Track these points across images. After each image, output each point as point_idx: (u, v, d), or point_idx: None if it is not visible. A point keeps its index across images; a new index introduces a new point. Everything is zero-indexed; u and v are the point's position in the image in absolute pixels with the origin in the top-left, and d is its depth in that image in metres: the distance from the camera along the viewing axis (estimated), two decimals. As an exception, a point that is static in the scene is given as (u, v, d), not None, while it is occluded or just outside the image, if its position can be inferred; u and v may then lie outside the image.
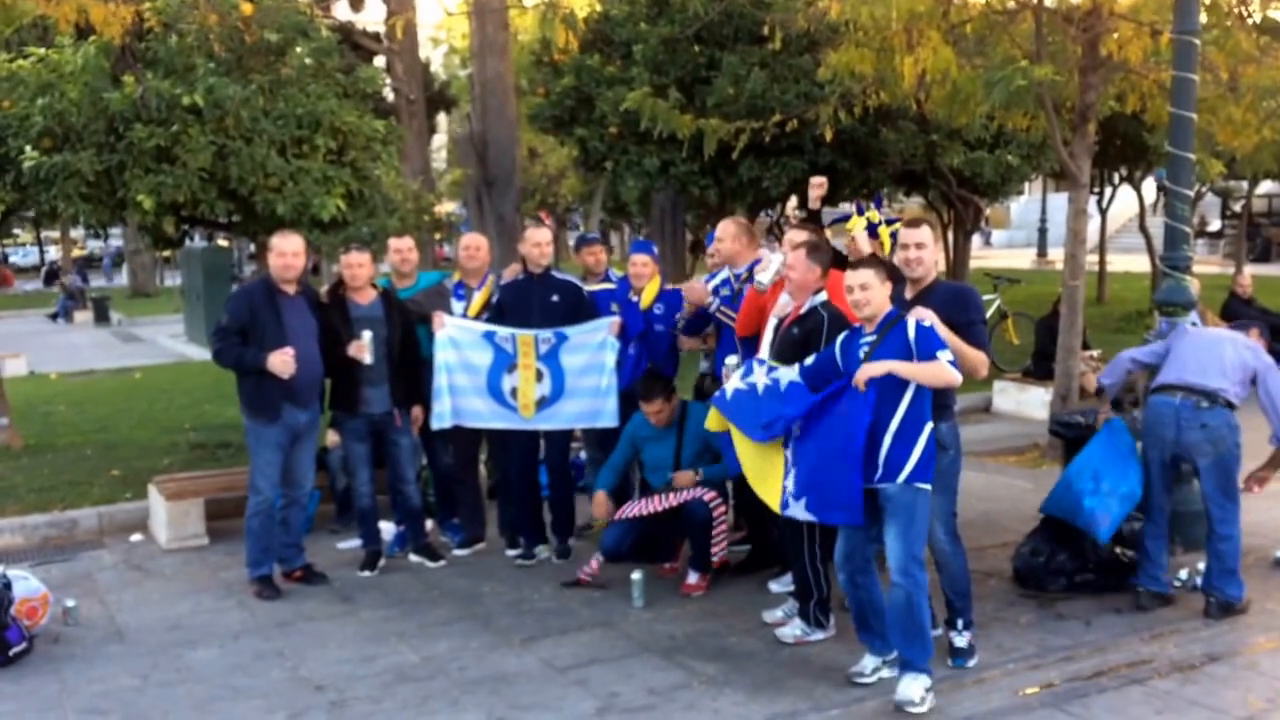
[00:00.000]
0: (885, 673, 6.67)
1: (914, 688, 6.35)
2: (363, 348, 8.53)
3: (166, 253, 39.25)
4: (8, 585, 7.46)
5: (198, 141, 9.88)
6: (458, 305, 9.23)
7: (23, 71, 10.45)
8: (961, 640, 7.02)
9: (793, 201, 9.10)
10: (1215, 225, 42.26)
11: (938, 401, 6.61)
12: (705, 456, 8.31)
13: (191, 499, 9.92)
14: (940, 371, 6.24)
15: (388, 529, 9.46)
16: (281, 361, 8.07)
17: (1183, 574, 8.12)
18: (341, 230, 11.10)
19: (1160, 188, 9.99)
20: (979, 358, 6.72)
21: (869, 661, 6.74)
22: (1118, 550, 7.94)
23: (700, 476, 8.24)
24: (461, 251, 9.51)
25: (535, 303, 8.92)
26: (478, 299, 9.21)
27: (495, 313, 9.04)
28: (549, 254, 9.03)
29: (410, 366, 8.93)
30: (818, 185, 8.56)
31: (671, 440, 8.33)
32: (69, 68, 10.14)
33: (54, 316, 37.34)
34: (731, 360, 7.82)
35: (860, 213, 8.20)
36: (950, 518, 7.01)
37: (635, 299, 8.89)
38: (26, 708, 6.69)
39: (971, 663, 6.95)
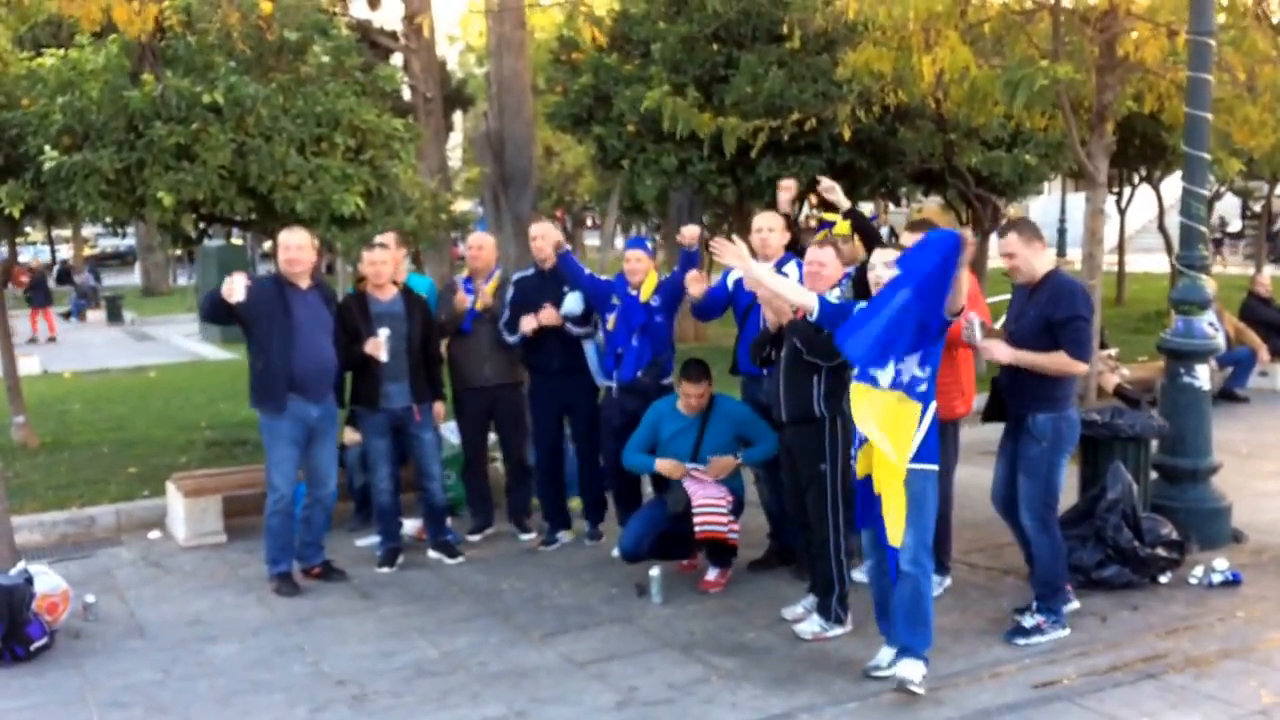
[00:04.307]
0: None
1: (915, 669, 6.43)
2: (379, 345, 8.59)
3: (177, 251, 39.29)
4: (29, 581, 7.50)
5: (217, 139, 9.91)
6: (467, 299, 9.46)
7: (42, 70, 10.50)
8: (1029, 621, 7.19)
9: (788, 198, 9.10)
10: (1235, 226, 42.05)
11: (1041, 394, 7.00)
12: (727, 451, 8.33)
13: (210, 496, 9.97)
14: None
15: (411, 525, 9.53)
16: (229, 288, 8.04)
17: (1198, 571, 8.13)
18: (360, 228, 11.14)
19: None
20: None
21: (885, 654, 6.76)
22: (1135, 544, 7.95)
23: (740, 460, 8.23)
24: (468, 250, 9.93)
25: (546, 296, 9.28)
26: (485, 291, 9.47)
27: (512, 304, 9.38)
28: (543, 247, 9.33)
29: (431, 362, 9.07)
30: (786, 188, 8.86)
31: (694, 431, 8.34)
32: (89, 66, 10.17)
33: (67, 315, 37.40)
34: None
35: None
36: (1042, 507, 7.17)
37: (635, 292, 8.96)
38: (50, 701, 6.75)
39: (1021, 641, 7.10)
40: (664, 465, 8.26)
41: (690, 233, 8.71)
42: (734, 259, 6.97)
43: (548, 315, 9.15)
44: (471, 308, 9.39)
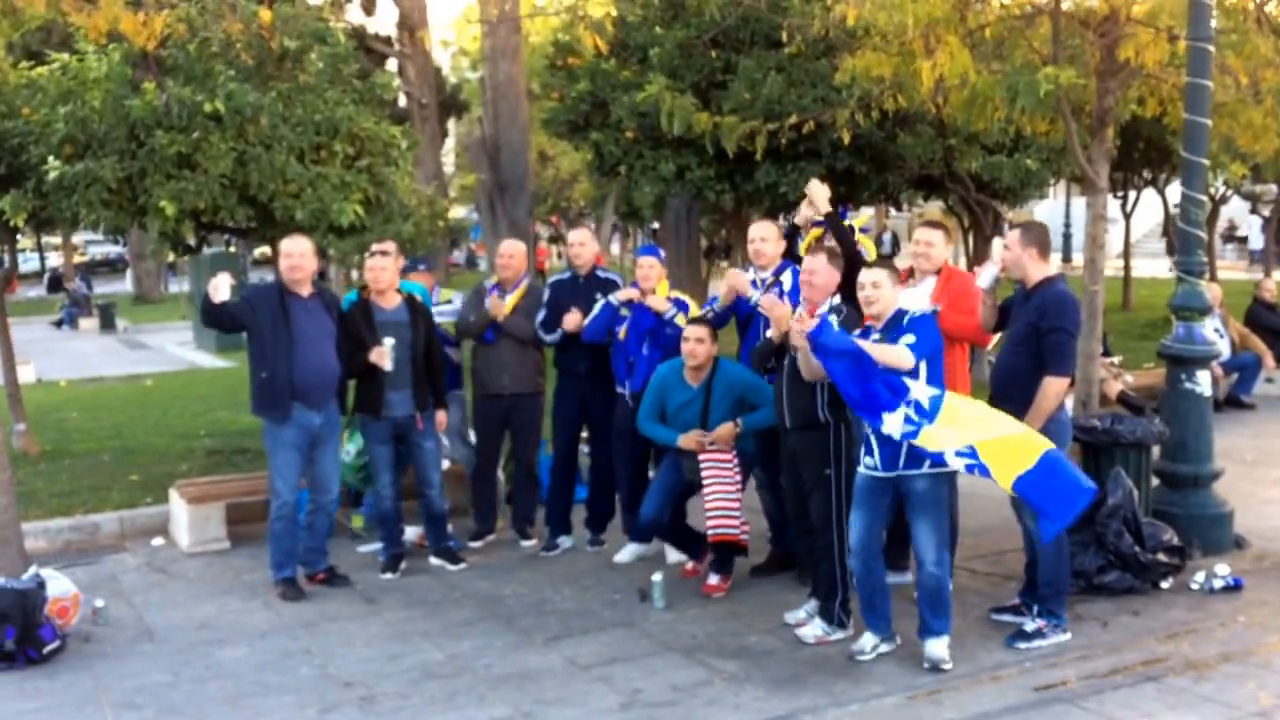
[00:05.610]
0: (884, 648, 7.05)
1: (941, 647, 6.84)
2: (383, 354, 8.63)
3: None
4: (41, 585, 7.57)
5: (218, 148, 9.95)
6: (501, 303, 9.49)
7: (42, 79, 10.53)
8: (1030, 624, 7.31)
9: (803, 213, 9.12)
10: (1245, 230, 41.83)
11: (1031, 398, 7.12)
12: (735, 415, 8.33)
13: (213, 503, 9.99)
14: (891, 355, 6.64)
15: (412, 532, 9.56)
16: (214, 288, 8.23)
17: (1199, 576, 8.17)
18: (359, 236, 11.17)
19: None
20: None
21: (868, 640, 7.08)
22: (1136, 550, 7.98)
23: (740, 427, 8.23)
24: (498, 259, 9.89)
25: (580, 300, 9.32)
26: (510, 301, 9.50)
27: (548, 305, 9.41)
28: (582, 253, 9.43)
29: (434, 370, 9.09)
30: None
31: (700, 402, 8.33)
32: (91, 75, 10.20)
33: (59, 323, 37.24)
34: None
35: (843, 217, 8.40)
36: None
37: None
38: (64, 703, 6.82)
39: (1022, 645, 7.18)
40: (686, 440, 8.29)
41: (657, 303, 8.91)
42: (778, 317, 7.29)
43: (571, 320, 9.20)
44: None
